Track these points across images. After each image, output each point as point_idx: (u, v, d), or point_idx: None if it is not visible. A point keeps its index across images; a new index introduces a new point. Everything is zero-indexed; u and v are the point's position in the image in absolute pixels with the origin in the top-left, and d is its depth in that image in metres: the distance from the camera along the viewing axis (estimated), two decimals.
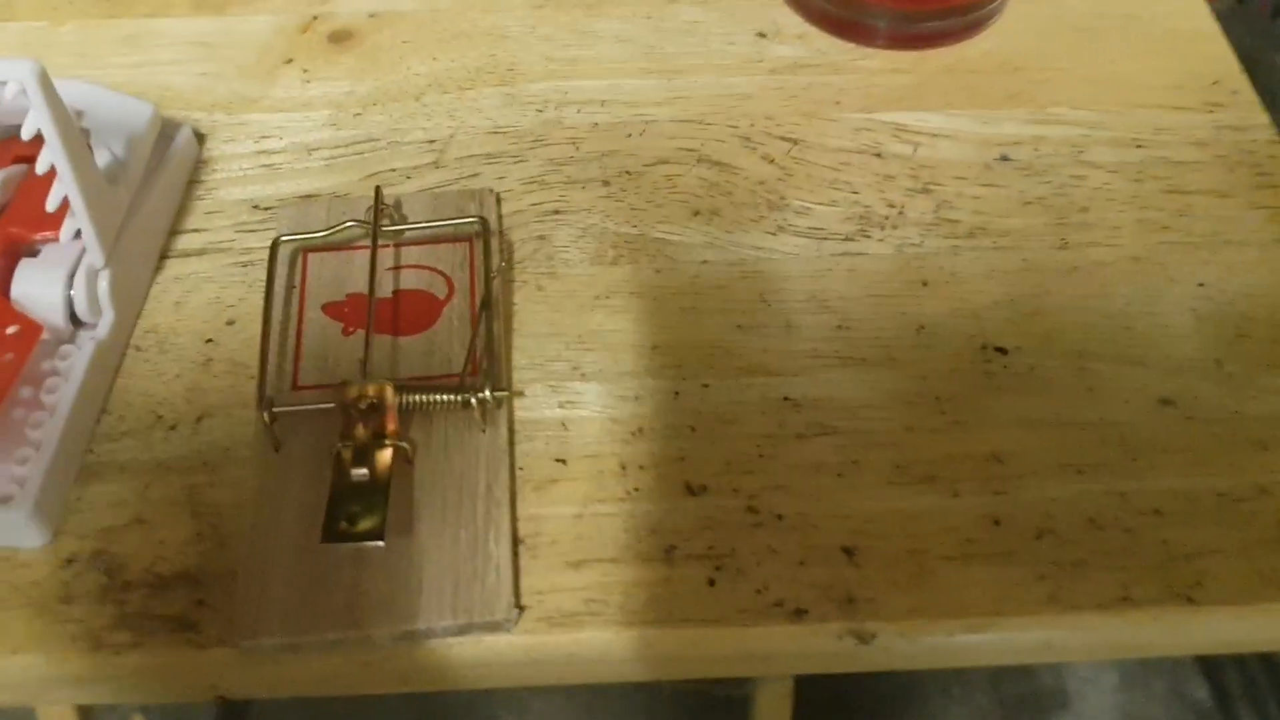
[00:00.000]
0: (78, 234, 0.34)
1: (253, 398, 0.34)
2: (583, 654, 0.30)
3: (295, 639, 0.29)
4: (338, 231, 0.36)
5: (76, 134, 0.32)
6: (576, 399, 0.34)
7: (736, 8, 0.45)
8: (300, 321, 0.35)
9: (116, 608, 0.30)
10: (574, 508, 0.32)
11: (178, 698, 0.31)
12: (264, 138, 0.41)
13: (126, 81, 0.42)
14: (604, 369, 0.35)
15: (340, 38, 0.44)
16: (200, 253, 0.38)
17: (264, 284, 0.36)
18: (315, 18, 0.45)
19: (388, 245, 0.37)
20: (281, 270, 0.36)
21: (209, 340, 0.36)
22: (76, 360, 0.33)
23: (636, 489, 0.32)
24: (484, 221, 0.35)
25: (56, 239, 0.34)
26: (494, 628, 0.29)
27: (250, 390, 0.34)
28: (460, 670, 0.30)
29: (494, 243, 0.36)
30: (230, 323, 0.36)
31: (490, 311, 0.34)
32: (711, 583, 0.31)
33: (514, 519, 0.31)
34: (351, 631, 0.29)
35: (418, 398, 0.31)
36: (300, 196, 0.39)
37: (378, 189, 0.36)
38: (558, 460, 0.33)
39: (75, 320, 0.34)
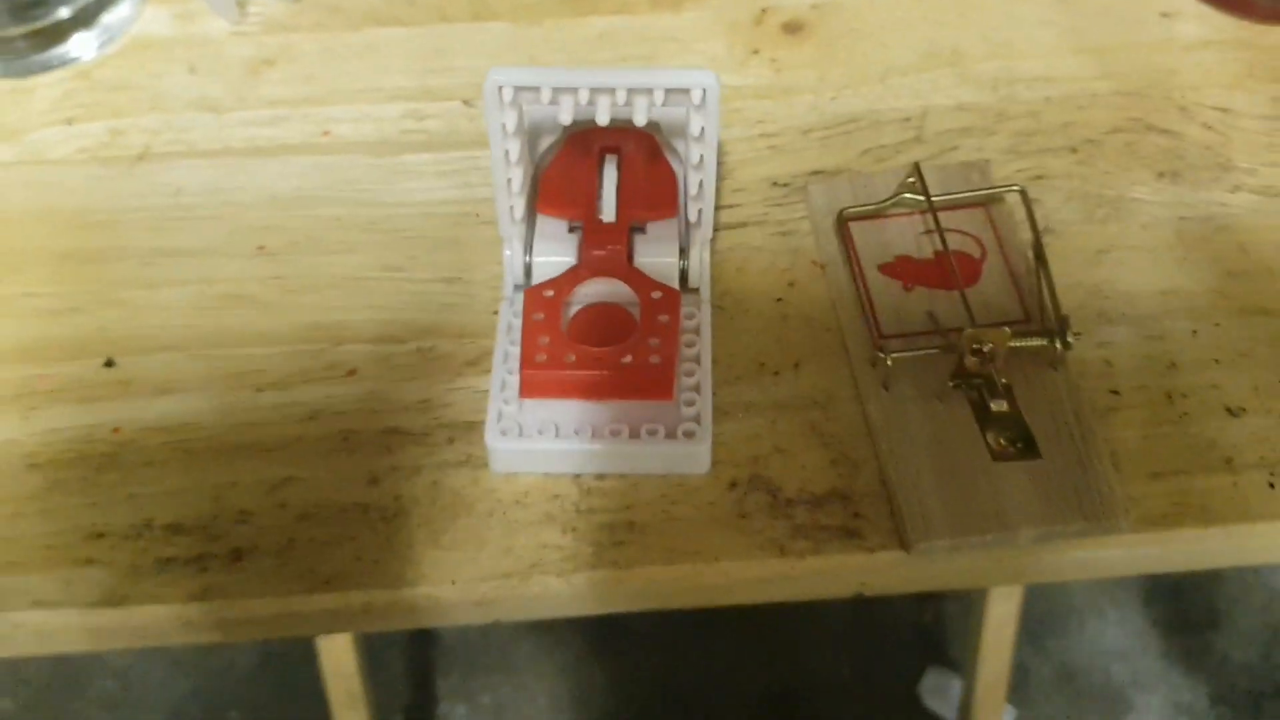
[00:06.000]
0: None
1: (835, 347, 0.40)
2: (1178, 550, 0.36)
3: (958, 540, 0.35)
4: (894, 202, 0.42)
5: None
6: (1110, 340, 0.40)
7: None
8: (864, 282, 0.41)
9: (787, 521, 0.37)
10: (1137, 430, 0.38)
11: (823, 595, 0.37)
12: (759, 121, 0.47)
13: None
14: (1125, 313, 0.41)
15: (793, 28, 0.50)
16: (742, 225, 0.44)
17: (811, 251, 0.42)
18: (764, 10, 0.50)
19: (914, 213, 0.43)
20: (834, 239, 0.42)
21: (779, 299, 0.42)
22: (702, 318, 0.40)
23: (1185, 414, 0.38)
24: (1024, 190, 0.41)
25: (673, 219, 0.40)
26: (1111, 529, 0.36)
27: (829, 341, 0.41)
28: (1072, 567, 0.36)
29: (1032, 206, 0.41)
30: (791, 284, 0.42)
31: (1044, 264, 0.40)
32: (1271, 485, 0.37)
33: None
34: (1003, 534, 0.35)
35: (1016, 344, 0.37)
36: (811, 172, 0.45)
37: (917, 165, 0.42)
38: (1112, 392, 0.39)
39: (682, 286, 0.41)
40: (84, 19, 0.51)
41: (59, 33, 0.50)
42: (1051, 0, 0.50)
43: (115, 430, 0.40)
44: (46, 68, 0.50)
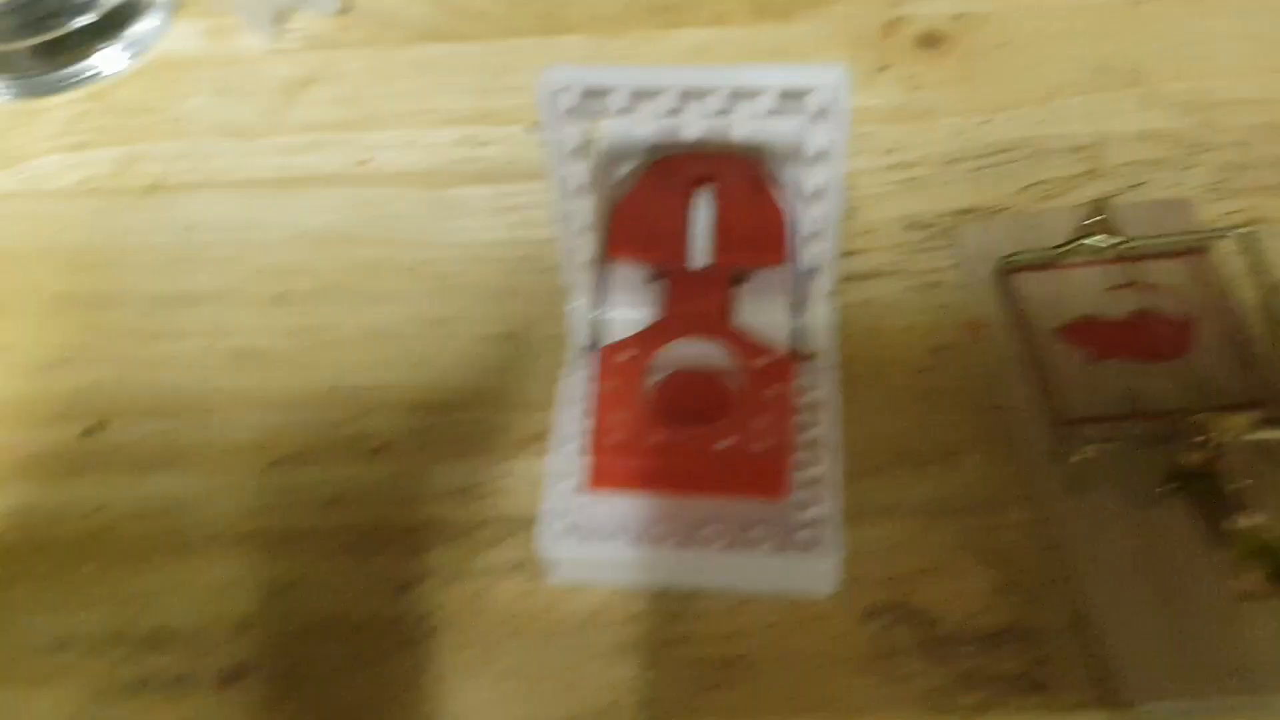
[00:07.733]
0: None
1: (999, 433, 0.31)
2: None
3: (1192, 702, 0.26)
4: (1072, 248, 0.33)
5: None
6: None
7: None
8: (1038, 350, 0.32)
9: (949, 667, 0.27)
10: None
11: None
12: (890, 150, 0.38)
13: None
14: None
15: (931, 41, 0.41)
16: (873, 275, 0.35)
17: (963, 308, 0.33)
18: (894, 20, 0.42)
19: (1097, 263, 0.34)
20: (993, 294, 0.33)
21: (923, 369, 0.33)
22: (824, 391, 0.31)
23: None
24: (1250, 234, 0.32)
25: (783, 264, 0.32)
26: None
27: (991, 425, 0.31)
28: None
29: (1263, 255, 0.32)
30: (938, 350, 0.33)
31: None
32: None
33: None
34: (1252, 696, 0.26)
35: (1251, 436, 0.28)
36: (959, 211, 0.37)
37: (1102, 202, 0.33)
38: None
39: (795, 349, 0.32)
40: (104, 31, 0.44)
41: (76, 47, 0.44)
42: (1251, 8, 0.41)
43: (97, 510, 0.32)
44: (58, 88, 0.44)
